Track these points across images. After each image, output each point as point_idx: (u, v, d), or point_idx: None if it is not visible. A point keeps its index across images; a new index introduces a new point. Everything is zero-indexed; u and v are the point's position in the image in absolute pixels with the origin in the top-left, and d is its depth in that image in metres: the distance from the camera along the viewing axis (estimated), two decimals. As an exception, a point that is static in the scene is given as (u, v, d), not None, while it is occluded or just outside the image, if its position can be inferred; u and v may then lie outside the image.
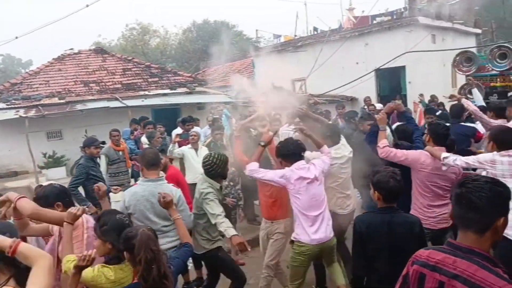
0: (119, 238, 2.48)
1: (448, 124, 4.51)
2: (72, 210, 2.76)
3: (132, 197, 3.83)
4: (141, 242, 2.32)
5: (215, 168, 4.15)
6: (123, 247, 2.41)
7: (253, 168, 4.01)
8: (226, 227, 3.81)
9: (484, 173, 3.88)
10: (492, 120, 5.63)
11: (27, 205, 2.78)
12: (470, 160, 3.84)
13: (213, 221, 3.90)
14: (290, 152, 4.01)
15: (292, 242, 4.03)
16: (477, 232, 1.72)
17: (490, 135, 4.00)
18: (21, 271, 2.12)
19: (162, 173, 4.50)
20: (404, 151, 4.17)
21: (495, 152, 3.78)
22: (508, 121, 5.76)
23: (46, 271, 1.91)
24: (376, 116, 4.81)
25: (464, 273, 1.69)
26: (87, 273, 2.42)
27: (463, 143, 5.19)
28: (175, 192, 3.90)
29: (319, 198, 3.95)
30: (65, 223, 2.73)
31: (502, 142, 3.76)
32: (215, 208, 3.92)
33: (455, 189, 1.83)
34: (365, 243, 2.93)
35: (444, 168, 3.86)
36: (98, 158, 6.41)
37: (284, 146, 4.07)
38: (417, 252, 1.93)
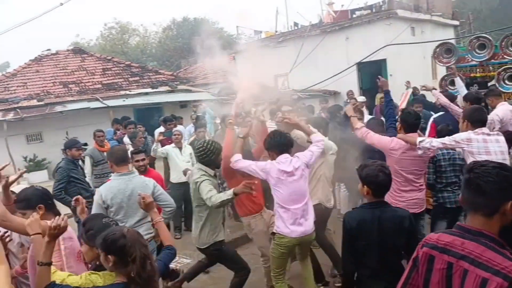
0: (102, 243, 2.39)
1: (419, 113, 4.60)
2: (49, 223, 2.44)
3: (109, 191, 3.86)
4: (133, 240, 2.25)
5: (209, 155, 4.08)
6: (109, 251, 2.24)
7: (238, 159, 4.06)
8: (222, 195, 3.81)
9: (458, 150, 4.11)
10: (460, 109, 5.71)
11: None
12: (447, 140, 3.97)
13: (210, 204, 3.85)
14: (276, 144, 3.97)
15: (273, 233, 4.06)
16: (485, 215, 1.78)
17: (463, 115, 4.18)
18: None
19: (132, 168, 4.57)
20: (378, 135, 4.29)
21: (470, 131, 3.96)
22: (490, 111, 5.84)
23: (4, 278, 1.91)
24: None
25: (472, 253, 1.75)
26: (74, 281, 2.33)
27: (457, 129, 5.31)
28: (148, 182, 4.07)
29: (300, 192, 3.90)
30: (35, 236, 2.44)
31: (475, 120, 3.98)
32: (208, 193, 3.88)
33: (464, 174, 1.90)
34: (355, 239, 2.90)
35: (419, 152, 3.92)
36: (79, 160, 6.30)
37: (271, 137, 4.03)
38: (427, 236, 1.98)
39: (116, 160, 4.07)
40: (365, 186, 2.90)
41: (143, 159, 5.10)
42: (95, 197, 3.99)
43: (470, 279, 1.72)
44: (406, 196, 4.09)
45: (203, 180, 3.97)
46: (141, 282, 2.21)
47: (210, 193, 3.85)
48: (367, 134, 4.29)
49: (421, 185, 4.20)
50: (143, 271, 2.22)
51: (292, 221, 3.85)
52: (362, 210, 2.98)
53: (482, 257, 1.71)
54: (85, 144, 6.59)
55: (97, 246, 2.30)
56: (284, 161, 3.89)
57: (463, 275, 1.75)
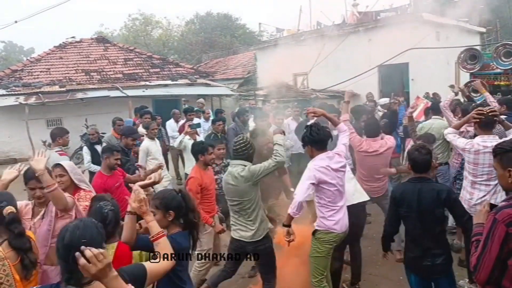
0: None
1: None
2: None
3: None
4: (186, 196, 2.80)
5: (249, 149, 3.93)
6: (168, 207, 2.66)
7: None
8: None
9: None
10: (454, 119, 5.57)
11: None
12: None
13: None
14: (320, 139, 3.86)
15: (314, 233, 3.96)
16: None
17: None
18: (15, 237, 2.46)
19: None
20: (355, 135, 5.06)
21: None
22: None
23: (165, 266, 2.32)
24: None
25: None
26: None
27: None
28: None
29: (342, 189, 3.95)
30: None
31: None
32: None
33: None
34: (398, 207, 3.48)
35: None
36: (129, 151, 6.14)
37: (314, 132, 3.89)
38: (502, 214, 2.18)
39: None
40: (408, 162, 3.56)
41: (118, 158, 4.97)
42: None
43: None
44: (369, 184, 5.07)
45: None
46: (197, 228, 2.80)
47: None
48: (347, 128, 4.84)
49: (382, 177, 5.17)
50: (197, 219, 2.80)
51: (337, 216, 3.88)
52: (406, 183, 3.57)
53: None
54: (103, 133, 6.64)
55: (156, 206, 2.68)
56: (329, 156, 3.88)
57: None
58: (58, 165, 3.68)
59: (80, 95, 13.22)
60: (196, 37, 33.25)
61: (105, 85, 14.57)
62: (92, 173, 6.24)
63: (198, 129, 7.28)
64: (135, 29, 35.35)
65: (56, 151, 5.84)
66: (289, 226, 3.82)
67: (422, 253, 3.37)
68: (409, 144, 6.17)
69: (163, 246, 2.37)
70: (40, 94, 12.93)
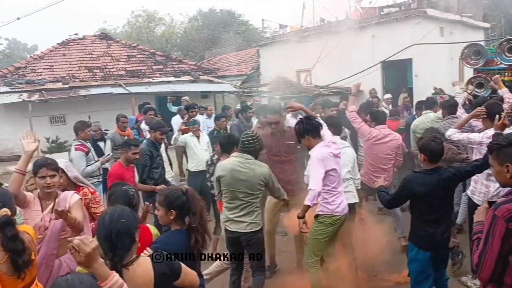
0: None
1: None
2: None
3: None
4: (192, 197, 2.71)
5: (255, 143, 3.99)
6: (171, 207, 2.65)
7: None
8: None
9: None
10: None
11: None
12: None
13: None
14: (314, 127, 4.06)
15: (316, 216, 4.08)
16: None
17: None
18: (9, 240, 2.39)
19: None
20: (363, 124, 5.40)
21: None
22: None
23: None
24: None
25: None
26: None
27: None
28: None
29: (340, 174, 4.17)
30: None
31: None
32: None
33: None
34: (409, 196, 3.50)
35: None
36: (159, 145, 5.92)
37: (307, 122, 4.11)
38: (501, 210, 2.12)
39: None
40: (421, 154, 3.50)
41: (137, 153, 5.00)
42: None
43: None
44: (378, 175, 5.03)
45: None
46: (201, 230, 2.68)
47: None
48: (355, 119, 5.39)
49: (388, 169, 5.35)
50: (202, 221, 2.70)
51: (338, 200, 4.06)
52: (423, 175, 3.48)
53: None
54: (106, 130, 6.64)
55: (159, 203, 2.72)
56: (327, 145, 4.03)
57: None
58: None
59: (83, 92, 13.25)
60: (199, 33, 33.19)
61: (108, 82, 14.60)
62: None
63: (200, 126, 7.30)
64: (138, 26, 35.34)
65: (74, 145, 6.05)
66: (303, 217, 3.86)
67: (434, 230, 3.45)
68: None
69: None
70: (43, 91, 12.98)
